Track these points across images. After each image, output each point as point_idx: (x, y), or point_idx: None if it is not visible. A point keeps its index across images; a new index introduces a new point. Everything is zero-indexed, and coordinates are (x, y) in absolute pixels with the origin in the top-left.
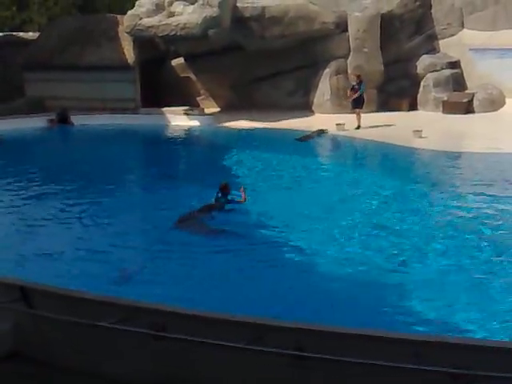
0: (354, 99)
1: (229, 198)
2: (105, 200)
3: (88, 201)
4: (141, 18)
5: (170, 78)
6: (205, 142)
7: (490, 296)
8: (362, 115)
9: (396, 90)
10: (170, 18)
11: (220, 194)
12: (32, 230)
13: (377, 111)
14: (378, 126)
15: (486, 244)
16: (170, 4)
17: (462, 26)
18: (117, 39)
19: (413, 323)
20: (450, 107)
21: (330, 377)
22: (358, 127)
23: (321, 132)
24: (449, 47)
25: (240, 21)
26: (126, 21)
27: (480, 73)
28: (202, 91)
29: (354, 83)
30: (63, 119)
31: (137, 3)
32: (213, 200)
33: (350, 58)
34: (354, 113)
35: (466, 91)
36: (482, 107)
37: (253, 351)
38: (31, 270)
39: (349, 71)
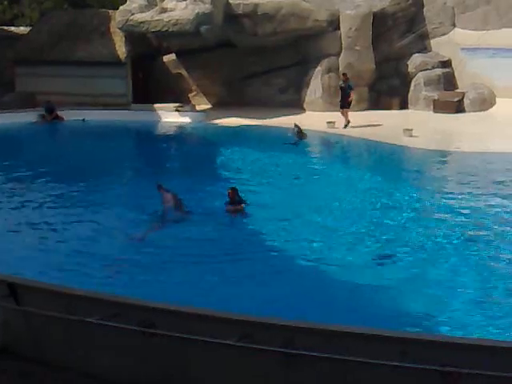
0: (340, 99)
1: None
2: (85, 194)
3: (71, 194)
4: (133, 14)
5: (162, 74)
6: (195, 139)
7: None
8: (353, 113)
9: (387, 88)
10: (162, 14)
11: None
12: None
13: (367, 109)
14: (368, 125)
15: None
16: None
17: (454, 25)
18: (108, 34)
19: (402, 321)
20: (440, 106)
21: (317, 374)
22: (346, 126)
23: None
24: (440, 46)
25: (232, 17)
26: (118, 16)
27: (471, 72)
28: (193, 88)
29: (341, 82)
30: (51, 113)
31: None
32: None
33: (341, 56)
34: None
35: (457, 90)
36: (473, 106)
37: (242, 348)
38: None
39: (340, 69)
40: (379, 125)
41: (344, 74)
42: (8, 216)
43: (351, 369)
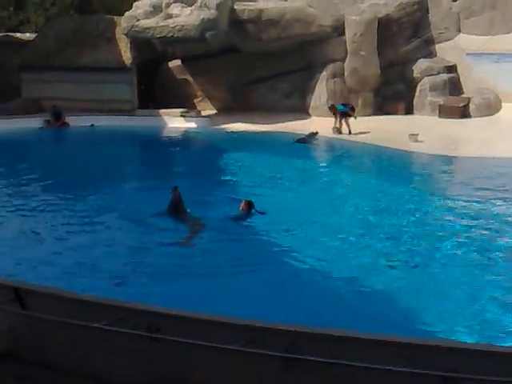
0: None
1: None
2: (86, 205)
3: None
4: (138, 20)
5: (167, 79)
6: (201, 144)
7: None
8: (358, 118)
9: (392, 93)
10: (168, 20)
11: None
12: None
13: (372, 115)
14: (373, 130)
15: (475, 247)
16: (168, 6)
17: (459, 30)
18: (114, 40)
19: (404, 326)
20: (446, 111)
21: (321, 379)
22: (340, 132)
23: (313, 135)
24: (445, 51)
25: (237, 23)
26: (124, 22)
27: (476, 77)
28: (198, 93)
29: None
30: (58, 119)
31: (134, 4)
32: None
33: (346, 61)
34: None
35: (463, 95)
36: (478, 112)
37: (247, 353)
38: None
39: (345, 74)
40: (384, 130)
41: (331, 107)
42: (16, 222)
43: (354, 374)
